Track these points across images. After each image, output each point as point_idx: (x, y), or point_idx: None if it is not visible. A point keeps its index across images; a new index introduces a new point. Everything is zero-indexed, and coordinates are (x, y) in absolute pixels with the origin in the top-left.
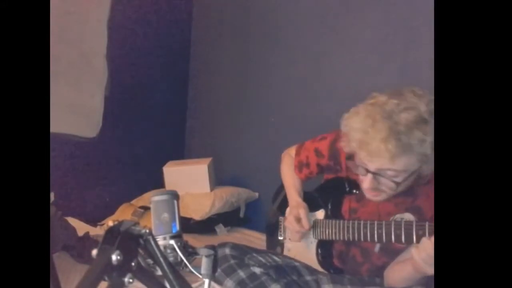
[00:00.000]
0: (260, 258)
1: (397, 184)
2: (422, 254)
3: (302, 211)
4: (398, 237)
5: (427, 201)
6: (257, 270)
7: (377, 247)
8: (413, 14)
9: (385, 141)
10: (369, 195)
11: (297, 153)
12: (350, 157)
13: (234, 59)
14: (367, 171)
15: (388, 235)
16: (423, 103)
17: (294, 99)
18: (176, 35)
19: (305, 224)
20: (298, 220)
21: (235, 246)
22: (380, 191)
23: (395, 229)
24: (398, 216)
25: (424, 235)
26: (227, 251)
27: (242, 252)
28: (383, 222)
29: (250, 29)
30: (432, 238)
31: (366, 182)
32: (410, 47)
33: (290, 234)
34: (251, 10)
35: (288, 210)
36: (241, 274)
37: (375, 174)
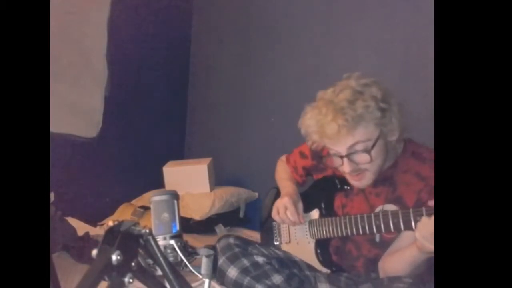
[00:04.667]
0: (263, 250)
1: (369, 153)
2: (422, 231)
3: (287, 200)
4: (389, 226)
5: (407, 190)
6: (260, 259)
7: (377, 237)
8: (413, 14)
9: (335, 120)
10: (354, 181)
11: (288, 161)
12: (322, 155)
13: (234, 59)
14: (341, 157)
15: (387, 225)
16: (352, 80)
17: (294, 99)
18: (176, 35)
19: (302, 217)
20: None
21: (238, 237)
22: (362, 173)
23: (393, 218)
24: (381, 208)
25: (409, 221)
26: (231, 240)
27: (246, 242)
28: (380, 213)
29: (250, 29)
30: (431, 218)
31: (346, 167)
32: (410, 47)
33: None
34: (251, 10)
35: (282, 195)
36: (245, 262)
37: (348, 155)
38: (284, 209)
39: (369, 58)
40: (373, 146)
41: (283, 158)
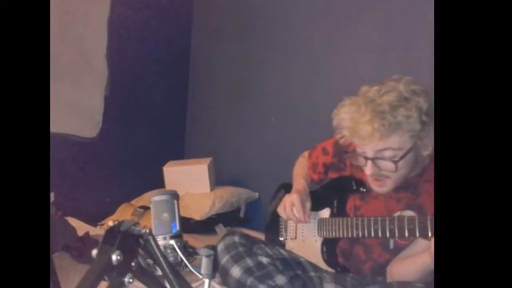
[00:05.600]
0: (267, 250)
1: (396, 163)
2: None
3: (295, 197)
4: (404, 232)
5: (429, 199)
6: (264, 260)
7: (391, 243)
8: (413, 13)
9: (371, 123)
10: (374, 186)
11: (310, 156)
12: (348, 152)
13: (234, 59)
14: (366, 158)
15: (401, 230)
16: (402, 84)
17: (294, 99)
18: (176, 35)
19: (308, 216)
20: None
21: (244, 235)
22: (383, 180)
23: (409, 224)
24: (399, 214)
25: (426, 229)
26: (236, 238)
27: (251, 241)
28: (395, 218)
29: (250, 29)
30: None
31: (368, 169)
32: (410, 46)
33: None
34: (251, 10)
35: (292, 190)
36: (249, 261)
37: (374, 159)
38: (291, 205)
39: (369, 58)
40: (402, 156)
41: (306, 153)
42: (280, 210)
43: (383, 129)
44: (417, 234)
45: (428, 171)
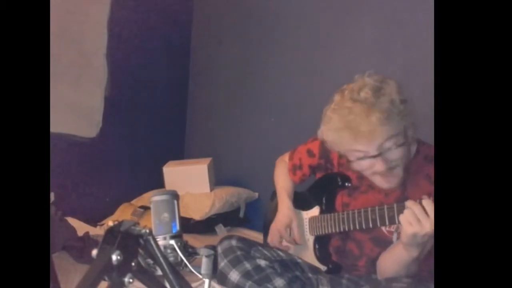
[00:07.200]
0: (265, 252)
1: (403, 146)
2: (406, 214)
3: (294, 224)
4: (385, 220)
5: (416, 191)
6: (263, 262)
7: (394, 236)
8: (413, 13)
9: (370, 116)
10: (383, 183)
11: (290, 158)
12: (347, 161)
13: (234, 59)
14: (372, 157)
15: (382, 219)
16: (367, 78)
17: (294, 99)
18: (176, 35)
19: (298, 238)
20: (288, 229)
21: (241, 239)
22: (392, 173)
23: (388, 212)
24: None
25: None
26: (234, 242)
27: (248, 244)
28: (376, 208)
29: (250, 29)
30: (419, 204)
31: (379, 166)
32: (410, 46)
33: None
34: (251, 10)
35: (277, 215)
36: (247, 265)
37: (381, 154)
38: (279, 237)
39: (369, 58)
40: (405, 138)
41: (285, 157)
42: (272, 242)
43: (382, 118)
44: (396, 221)
45: (414, 163)
